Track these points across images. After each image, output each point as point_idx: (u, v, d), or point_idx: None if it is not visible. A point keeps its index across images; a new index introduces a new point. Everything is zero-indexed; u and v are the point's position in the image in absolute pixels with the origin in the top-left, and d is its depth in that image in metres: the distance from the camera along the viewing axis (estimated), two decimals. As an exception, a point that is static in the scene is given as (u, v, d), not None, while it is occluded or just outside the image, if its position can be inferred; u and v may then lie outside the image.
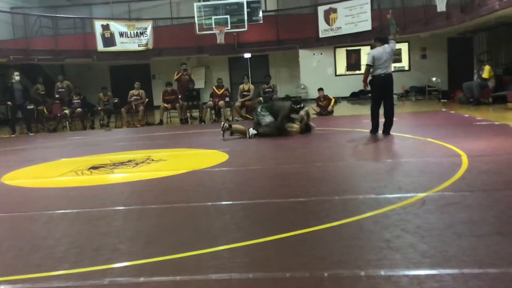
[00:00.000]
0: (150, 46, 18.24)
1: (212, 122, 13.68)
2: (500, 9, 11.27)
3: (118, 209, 4.52)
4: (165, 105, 14.17)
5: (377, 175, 5.27)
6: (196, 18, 17.18)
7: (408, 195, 4.23)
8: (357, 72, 19.34)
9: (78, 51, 18.31)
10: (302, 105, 9.57)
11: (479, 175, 4.92)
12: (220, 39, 16.86)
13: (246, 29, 17.34)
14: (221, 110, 13.82)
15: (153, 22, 18.43)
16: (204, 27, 17.11)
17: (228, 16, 16.98)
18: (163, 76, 19.95)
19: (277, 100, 9.57)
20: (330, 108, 13.48)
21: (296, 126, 9.10)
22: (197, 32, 17.29)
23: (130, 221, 4.13)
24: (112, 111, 14.66)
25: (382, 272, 2.69)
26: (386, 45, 8.22)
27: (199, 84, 18.59)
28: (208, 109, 14.08)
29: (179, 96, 14.32)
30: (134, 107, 14.26)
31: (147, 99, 14.81)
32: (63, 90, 15.02)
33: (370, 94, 8.86)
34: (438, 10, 13.25)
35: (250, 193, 4.85)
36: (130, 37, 18.07)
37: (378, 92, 8.30)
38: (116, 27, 17.91)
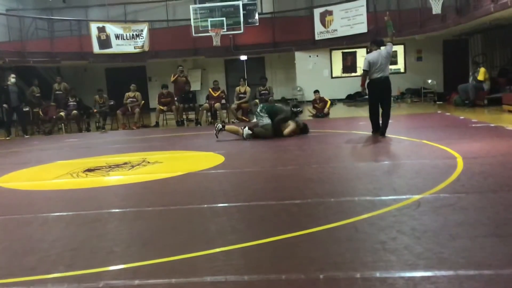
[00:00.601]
0: (146, 48, 18.23)
1: (208, 124, 13.67)
2: (495, 12, 11.33)
3: (114, 212, 4.51)
4: (161, 107, 14.17)
5: (372, 177, 5.28)
6: (192, 20, 17.19)
7: (404, 197, 4.23)
8: (353, 74, 19.40)
9: (74, 53, 18.30)
10: (301, 109, 9.55)
11: (474, 177, 4.93)
12: (216, 41, 16.87)
13: (242, 31, 17.35)
14: (217, 112, 13.83)
15: (149, 24, 18.43)
16: (200, 29, 17.11)
17: (224, 18, 16.99)
18: (159, 78, 19.96)
19: (276, 103, 9.59)
20: (326, 110, 13.49)
21: (291, 125, 9.09)
22: (193, 34, 17.28)
23: (126, 224, 4.13)
24: (108, 113, 14.65)
25: (378, 274, 2.69)
26: (382, 48, 8.27)
27: (195, 86, 18.58)
28: (204, 111, 14.09)
29: (175, 98, 14.33)
30: (130, 109, 14.25)
31: (143, 101, 14.81)
32: (61, 92, 15.00)
33: (367, 97, 8.88)
34: (434, 12, 13.29)
35: (246, 195, 4.84)
36: (126, 39, 18.05)
37: (376, 95, 8.35)
38: (112, 29, 17.89)
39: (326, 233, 3.45)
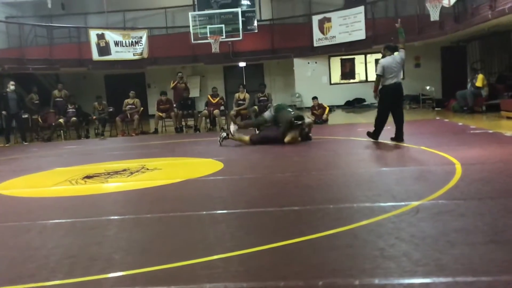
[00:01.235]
0: (145, 55, 18.25)
1: (207, 131, 13.69)
2: (492, 18, 11.38)
3: (113, 219, 4.51)
4: (160, 114, 14.18)
5: (371, 184, 5.29)
6: (191, 27, 17.24)
7: (402, 203, 4.24)
8: (352, 81, 19.47)
9: (73, 60, 18.32)
10: (301, 123, 9.38)
11: (472, 183, 4.94)
12: (215, 48, 16.91)
13: (241, 38, 17.40)
14: (216, 119, 13.84)
15: (148, 31, 18.46)
16: (199, 36, 17.16)
17: (223, 25, 17.05)
18: (158, 85, 19.97)
19: (283, 108, 9.57)
20: (324, 116, 13.52)
21: (293, 132, 9.07)
22: (192, 41, 17.33)
23: (125, 231, 4.12)
24: (107, 120, 14.65)
25: (377, 281, 2.69)
26: (395, 54, 8.18)
27: (194, 93, 18.60)
28: (203, 118, 14.11)
29: (174, 105, 14.36)
30: (129, 116, 14.26)
31: (142, 108, 14.82)
32: (61, 99, 15.01)
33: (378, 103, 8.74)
34: (432, 19, 13.35)
35: (245, 202, 4.85)
36: (125, 46, 18.08)
37: (389, 102, 8.22)
38: (111, 36, 17.93)
39: (325, 240, 3.45)
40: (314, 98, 13.93)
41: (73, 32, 19.23)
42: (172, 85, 14.71)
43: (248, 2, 18.47)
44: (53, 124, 14.11)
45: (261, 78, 19.73)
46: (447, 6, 12.93)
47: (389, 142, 8.27)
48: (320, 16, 18.37)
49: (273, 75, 20.57)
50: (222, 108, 14.00)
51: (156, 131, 14.10)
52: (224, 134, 9.42)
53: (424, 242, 3.23)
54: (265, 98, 14.33)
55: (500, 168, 5.63)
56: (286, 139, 8.98)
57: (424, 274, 2.74)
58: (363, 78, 19.35)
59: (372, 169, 6.28)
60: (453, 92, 14.55)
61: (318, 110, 13.70)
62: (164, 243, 3.66)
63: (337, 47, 18.15)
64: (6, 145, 13.09)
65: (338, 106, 18.41)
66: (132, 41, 18.13)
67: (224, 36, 17.00)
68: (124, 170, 7.22)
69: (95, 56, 17.75)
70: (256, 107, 13.99)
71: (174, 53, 18.62)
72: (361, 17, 17.44)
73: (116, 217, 4.56)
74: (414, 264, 2.88)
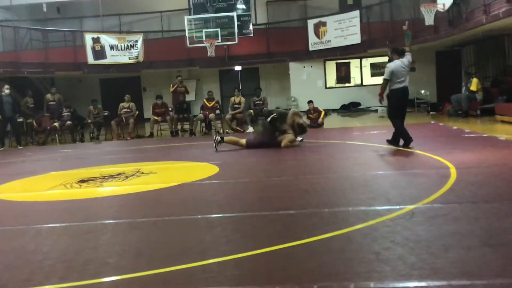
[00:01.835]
0: (141, 59, 18.25)
1: (203, 135, 13.68)
2: (486, 23, 11.44)
3: (108, 223, 4.50)
4: (156, 118, 14.17)
5: (366, 187, 5.29)
6: (186, 31, 17.27)
7: (397, 207, 4.25)
8: (347, 85, 19.51)
9: (68, 64, 18.28)
10: (273, 115, 9.34)
11: (467, 187, 4.96)
12: (211, 52, 16.92)
13: (236, 42, 17.44)
14: (212, 122, 13.84)
15: (144, 35, 18.47)
16: (195, 40, 17.19)
17: (218, 29, 17.10)
18: (153, 88, 19.98)
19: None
20: (320, 120, 13.54)
21: (289, 136, 9.08)
22: (188, 45, 17.36)
23: (120, 235, 4.11)
24: (102, 124, 14.62)
25: (372, 285, 2.70)
26: (403, 58, 8.09)
27: (189, 96, 18.58)
28: (199, 121, 14.10)
29: (170, 109, 14.35)
30: (124, 120, 14.23)
31: (137, 112, 14.80)
32: (55, 103, 14.99)
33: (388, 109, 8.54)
34: (426, 23, 13.41)
35: (240, 206, 4.85)
36: (120, 50, 18.08)
37: (398, 106, 8.13)
38: (107, 40, 17.92)
39: (320, 244, 3.45)
40: (310, 102, 13.96)
41: (68, 35, 19.19)
42: (172, 88, 14.69)
43: (244, 6, 18.50)
44: (48, 128, 14.07)
45: (256, 82, 19.76)
46: (441, 10, 13.00)
47: (385, 146, 8.28)
48: (316, 20, 18.44)
49: (269, 79, 20.60)
50: (217, 112, 14.01)
51: (151, 135, 14.09)
52: (219, 138, 9.40)
53: (419, 246, 3.24)
54: (261, 102, 14.34)
55: (494, 172, 5.65)
56: (283, 143, 8.99)
57: (419, 277, 2.74)
58: (359, 82, 19.41)
59: (367, 172, 6.29)
60: (448, 96, 14.62)
61: (314, 114, 13.73)
62: (159, 247, 3.65)
63: (333, 51, 18.21)
64: (1, 149, 13.05)
65: (334, 110, 18.46)
66: (127, 45, 18.13)
67: (219, 40, 17.04)
68: (119, 174, 7.21)
69: (91, 59, 17.74)
70: (251, 111, 14.00)
71: (170, 57, 18.63)
72: (356, 21, 17.52)
73: (111, 221, 4.54)
74: (409, 267, 2.89)
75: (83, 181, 6.80)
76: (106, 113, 14.93)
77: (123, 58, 18.11)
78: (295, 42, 18.74)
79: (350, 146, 8.94)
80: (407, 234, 3.49)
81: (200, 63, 18.87)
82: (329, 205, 4.55)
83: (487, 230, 3.54)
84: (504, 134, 8.94)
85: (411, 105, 16.94)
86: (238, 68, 18.50)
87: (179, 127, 14.43)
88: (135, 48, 18.13)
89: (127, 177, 6.94)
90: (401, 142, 8.07)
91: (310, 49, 18.58)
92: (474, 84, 13.51)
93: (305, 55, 18.77)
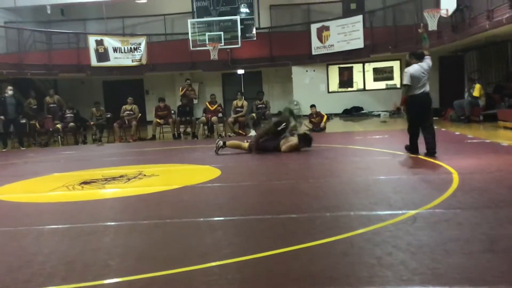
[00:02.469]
0: (144, 61, 18.29)
1: (205, 138, 13.69)
2: (490, 29, 11.44)
3: (109, 225, 4.50)
4: (158, 120, 14.19)
5: (368, 192, 5.28)
6: (190, 34, 17.32)
7: (399, 212, 4.24)
8: (350, 89, 19.51)
9: (71, 66, 18.34)
10: (285, 126, 9.29)
11: (469, 192, 4.95)
12: (214, 55, 16.95)
13: (239, 45, 17.48)
14: (214, 125, 13.85)
15: (147, 38, 18.52)
16: (198, 43, 17.24)
17: (221, 33, 17.14)
18: (156, 91, 20.02)
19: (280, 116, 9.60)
20: (322, 124, 13.54)
21: (290, 141, 9.05)
22: (191, 48, 17.40)
23: (121, 237, 4.11)
24: (105, 126, 14.66)
25: (373, 289, 2.69)
26: (422, 62, 7.55)
27: (192, 100, 18.65)
28: (201, 124, 14.11)
29: (172, 112, 14.38)
30: (126, 122, 14.26)
31: (140, 114, 14.83)
32: (54, 105, 15.02)
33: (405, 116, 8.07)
34: (429, 29, 13.38)
35: (242, 209, 4.84)
36: (124, 52, 18.13)
37: (418, 113, 7.52)
38: (110, 42, 17.97)
39: (322, 248, 3.45)
40: (312, 106, 13.95)
41: (72, 38, 19.26)
42: (181, 92, 14.64)
43: (247, 10, 18.56)
44: (51, 129, 14.10)
45: (259, 86, 19.77)
46: (445, 16, 13.00)
47: (387, 150, 8.27)
48: (319, 25, 18.46)
49: (271, 82, 20.62)
50: (220, 115, 14.02)
51: (153, 138, 14.10)
52: (221, 143, 9.37)
53: (421, 251, 3.24)
54: (263, 105, 14.36)
55: (497, 178, 5.64)
56: (283, 148, 8.95)
57: (421, 283, 2.74)
58: (361, 86, 19.41)
59: (369, 177, 6.29)
60: (451, 102, 14.61)
61: (316, 118, 13.72)
62: (161, 250, 3.65)
63: (335, 55, 18.24)
64: (3, 150, 13.07)
65: (336, 114, 18.45)
66: (130, 48, 18.18)
67: (222, 44, 17.07)
68: (121, 176, 7.21)
69: (94, 62, 17.79)
70: (254, 114, 14.01)
71: (173, 60, 18.67)
72: (360, 26, 17.54)
73: (112, 223, 4.55)
74: (411, 272, 2.88)
75: (85, 183, 6.81)
76: (109, 115, 14.97)
77: (126, 60, 18.15)
78: (298, 46, 18.77)
79: (352, 151, 8.93)
80: (409, 239, 3.48)
81: (203, 66, 18.90)
82: (331, 209, 4.54)
83: (489, 236, 3.53)
84: (506, 140, 8.93)
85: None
86: (241, 71, 18.53)
87: (181, 130, 14.45)
88: (138, 50, 18.17)
89: (129, 179, 6.94)
90: (422, 149, 7.66)
91: (313, 53, 18.61)
92: (476, 90, 13.49)
93: (308, 59, 18.79)
